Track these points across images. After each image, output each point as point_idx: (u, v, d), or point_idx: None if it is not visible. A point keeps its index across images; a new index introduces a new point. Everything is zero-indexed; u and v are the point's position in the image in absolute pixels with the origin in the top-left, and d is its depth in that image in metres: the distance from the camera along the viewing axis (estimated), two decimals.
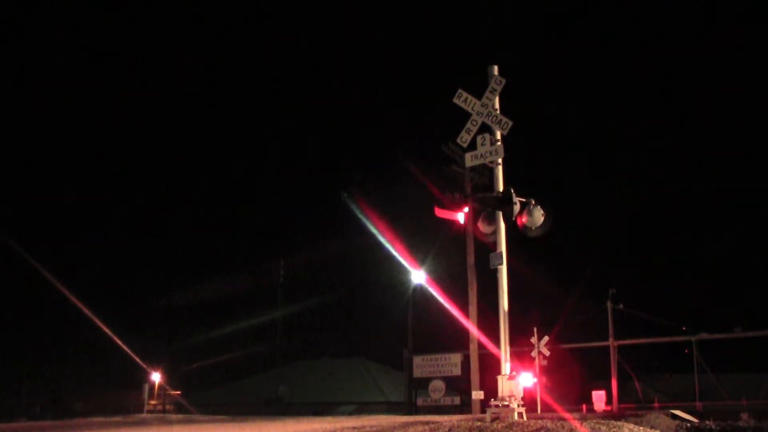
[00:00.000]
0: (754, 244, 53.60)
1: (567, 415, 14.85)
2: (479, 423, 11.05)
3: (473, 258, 25.77)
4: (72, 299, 40.23)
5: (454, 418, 14.10)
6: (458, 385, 27.33)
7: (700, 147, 63.08)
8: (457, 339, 27.45)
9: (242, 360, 49.83)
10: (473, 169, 22.35)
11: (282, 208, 77.78)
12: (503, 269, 11.81)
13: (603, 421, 11.36)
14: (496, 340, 11.89)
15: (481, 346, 25.03)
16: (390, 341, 38.85)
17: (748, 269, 50.10)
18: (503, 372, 11.54)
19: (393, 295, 35.73)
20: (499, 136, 12.16)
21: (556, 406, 22.46)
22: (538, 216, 11.75)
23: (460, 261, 26.54)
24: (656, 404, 24.76)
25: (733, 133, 61.36)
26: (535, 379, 22.11)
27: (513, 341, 12.16)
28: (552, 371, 24.59)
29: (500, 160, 12.19)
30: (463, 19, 76.51)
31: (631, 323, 26.86)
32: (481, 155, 12.26)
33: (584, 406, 24.44)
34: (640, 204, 61.35)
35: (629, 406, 24.92)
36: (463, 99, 12.42)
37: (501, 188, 12.04)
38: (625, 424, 11.32)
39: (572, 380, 27.03)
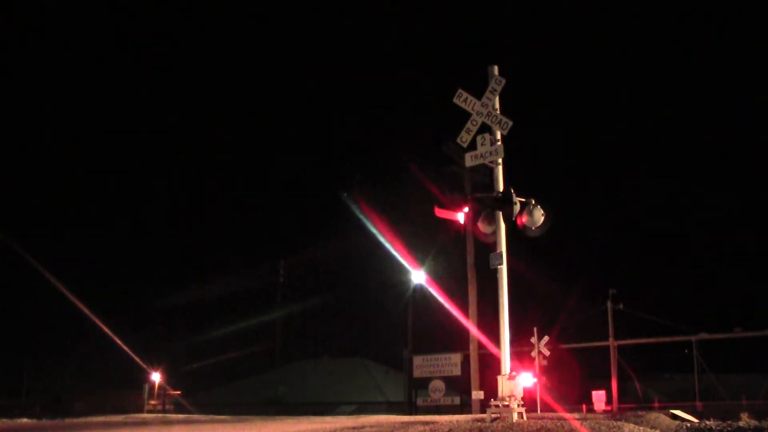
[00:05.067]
0: (754, 244, 53.60)
1: (567, 415, 14.86)
2: (479, 423, 11.06)
3: (473, 258, 25.80)
4: (72, 299, 40.28)
5: (454, 418, 14.11)
6: (458, 385, 27.33)
7: (701, 146, 63.09)
8: (457, 339, 27.47)
9: (242, 360, 49.93)
10: (473, 169, 22.34)
11: (282, 207, 77.82)
12: (503, 269, 11.81)
13: (603, 421, 11.38)
14: (496, 340, 11.89)
15: (481, 346, 25.05)
16: (390, 341, 38.90)
17: (748, 269, 50.11)
18: (503, 372, 11.54)
19: (393, 295, 35.73)
20: (499, 136, 12.16)
21: (556, 406, 22.45)
22: (538, 216, 11.75)
23: (460, 261, 26.56)
24: (656, 404, 24.75)
25: (734, 132, 61.36)
26: (535, 379, 22.10)
27: (513, 341, 12.16)
28: (552, 371, 24.57)
29: (500, 160, 12.19)
30: (463, 19, 76.50)
31: (631, 323, 26.90)
32: (481, 155, 12.27)
33: (584, 406, 24.42)
34: (640, 204, 61.39)
35: (629, 406, 24.90)
36: (463, 99, 12.43)
37: (501, 188, 12.05)
38: (625, 424, 11.34)
39: (572, 380, 27.00)
